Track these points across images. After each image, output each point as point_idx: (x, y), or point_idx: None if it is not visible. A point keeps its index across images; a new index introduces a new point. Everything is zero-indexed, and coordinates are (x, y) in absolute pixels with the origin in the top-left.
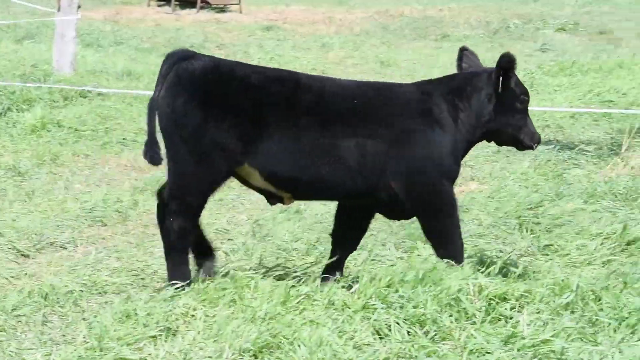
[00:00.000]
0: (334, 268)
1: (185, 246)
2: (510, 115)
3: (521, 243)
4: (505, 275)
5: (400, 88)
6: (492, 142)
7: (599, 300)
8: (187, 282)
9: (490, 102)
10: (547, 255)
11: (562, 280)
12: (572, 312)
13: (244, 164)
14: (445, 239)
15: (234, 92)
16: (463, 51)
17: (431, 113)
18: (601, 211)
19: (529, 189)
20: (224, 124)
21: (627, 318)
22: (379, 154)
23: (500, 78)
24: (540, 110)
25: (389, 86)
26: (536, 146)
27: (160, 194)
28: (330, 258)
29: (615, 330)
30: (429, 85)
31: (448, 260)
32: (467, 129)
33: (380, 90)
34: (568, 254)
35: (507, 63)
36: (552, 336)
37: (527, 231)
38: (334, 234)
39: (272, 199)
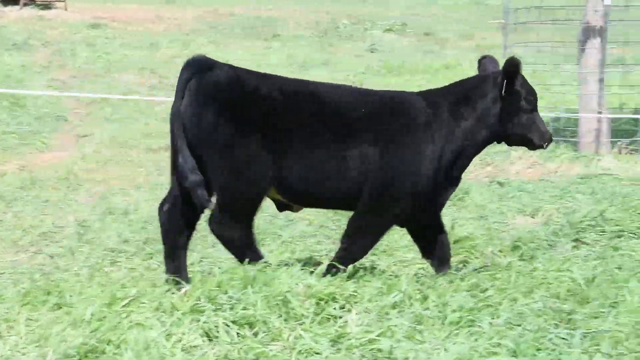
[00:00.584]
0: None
1: (253, 250)
2: (518, 116)
3: None
4: (334, 276)
5: (407, 98)
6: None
7: (426, 298)
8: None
9: (495, 106)
10: (376, 255)
11: (390, 280)
12: (400, 311)
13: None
14: (364, 237)
15: (258, 105)
16: (482, 60)
17: (428, 125)
18: None
19: None
20: (253, 138)
21: (451, 315)
22: (374, 162)
23: (505, 82)
24: None
25: (396, 96)
26: (547, 145)
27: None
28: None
29: (440, 329)
30: (435, 94)
31: (342, 256)
32: (469, 136)
33: (386, 99)
34: (397, 253)
35: (511, 67)
36: (379, 335)
37: None
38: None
39: (282, 207)
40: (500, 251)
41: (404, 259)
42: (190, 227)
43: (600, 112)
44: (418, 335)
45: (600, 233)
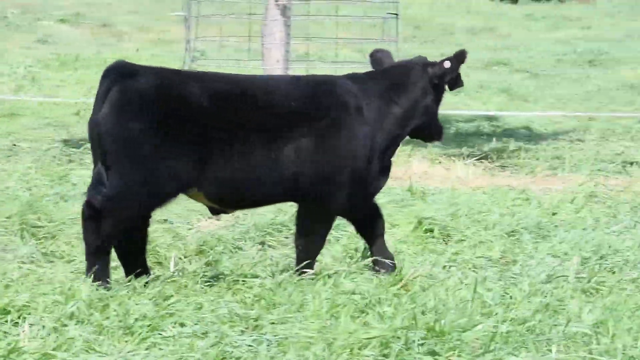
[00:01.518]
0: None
1: (108, 251)
2: (435, 108)
3: (23, 249)
4: (6, 287)
5: (336, 82)
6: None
7: (107, 307)
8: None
9: (426, 95)
10: (53, 262)
11: (69, 289)
12: (79, 321)
13: (193, 188)
14: (318, 234)
15: (186, 114)
16: (377, 54)
17: (359, 110)
18: None
19: (31, 190)
20: (178, 148)
21: (132, 326)
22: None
23: (450, 73)
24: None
25: (324, 80)
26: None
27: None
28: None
29: (121, 339)
30: (365, 78)
31: (303, 258)
32: (401, 123)
33: (314, 85)
34: (74, 260)
35: (464, 58)
36: (55, 349)
37: (29, 236)
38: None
39: (215, 210)
40: (185, 256)
41: (82, 267)
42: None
43: None
44: (98, 346)
45: (287, 236)
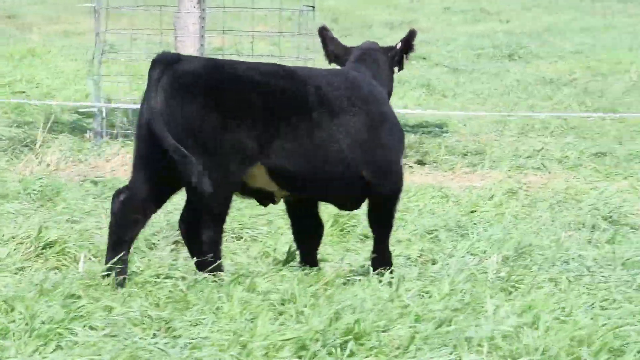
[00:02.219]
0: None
1: (219, 258)
2: None
3: None
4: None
5: (358, 72)
6: None
7: (12, 310)
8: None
9: (391, 79)
10: None
11: None
12: None
13: (257, 163)
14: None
15: (243, 92)
16: (326, 32)
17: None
18: (14, 213)
19: None
20: (241, 125)
21: (39, 329)
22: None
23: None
24: None
25: (351, 72)
26: None
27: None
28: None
29: (27, 343)
30: (365, 68)
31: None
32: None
33: (350, 76)
34: None
35: (414, 38)
36: None
37: None
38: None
39: (265, 199)
40: (94, 256)
41: None
42: (142, 223)
43: None
44: (2, 351)
45: None
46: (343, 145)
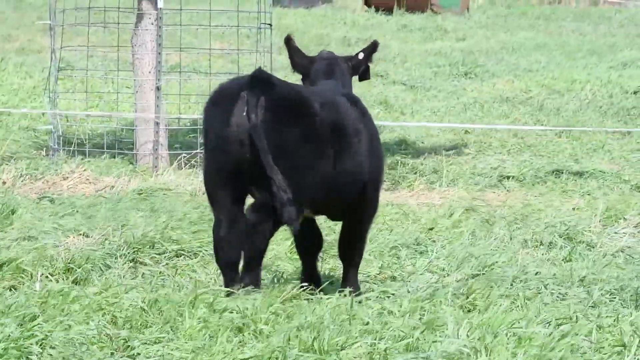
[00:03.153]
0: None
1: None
2: None
3: None
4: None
5: (337, 87)
6: None
7: None
8: None
9: (351, 87)
10: None
11: None
12: None
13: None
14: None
15: (313, 119)
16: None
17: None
18: None
19: None
20: (320, 152)
21: None
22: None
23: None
24: None
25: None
26: None
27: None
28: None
29: None
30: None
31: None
32: None
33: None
34: None
35: (376, 49)
36: None
37: None
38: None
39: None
40: (51, 274)
41: None
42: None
43: (157, 123)
44: None
45: (160, 253)
46: (359, 168)
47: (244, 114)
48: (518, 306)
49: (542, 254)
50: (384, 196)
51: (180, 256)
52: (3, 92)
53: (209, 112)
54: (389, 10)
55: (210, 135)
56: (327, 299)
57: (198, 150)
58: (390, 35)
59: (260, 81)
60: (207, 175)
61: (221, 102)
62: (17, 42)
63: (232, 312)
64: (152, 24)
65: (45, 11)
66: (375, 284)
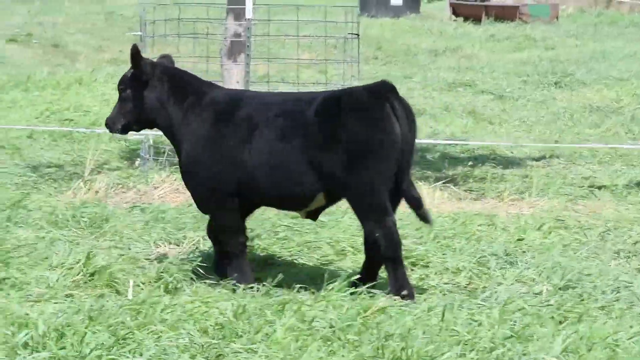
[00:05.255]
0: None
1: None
2: None
3: None
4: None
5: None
6: None
7: (62, 337)
8: None
9: None
10: (3, 290)
11: (21, 317)
12: (32, 351)
13: None
14: None
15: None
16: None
17: None
18: (63, 240)
19: None
20: None
21: (88, 356)
22: None
23: None
24: None
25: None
26: None
27: None
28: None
29: None
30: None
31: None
32: None
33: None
34: (26, 288)
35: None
36: None
37: None
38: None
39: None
40: (143, 283)
41: (35, 292)
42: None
43: None
44: None
45: (250, 260)
46: None
47: (394, 120)
48: (612, 318)
49: (635, 265)
50: (472, 206)
51: (270, 264)
52: (95, 103)
53: (364, 121)
54: (477, 20)
55: (379, 144)
56: (416, 308)
57: None
58: (479, 45)
59: (393, 90)
60: (381, 179)
61: (373, 110)
62: (109, 53)
63: (320, 321)
64: (241, 34)
65: (136, 22)
66: (463, 293)
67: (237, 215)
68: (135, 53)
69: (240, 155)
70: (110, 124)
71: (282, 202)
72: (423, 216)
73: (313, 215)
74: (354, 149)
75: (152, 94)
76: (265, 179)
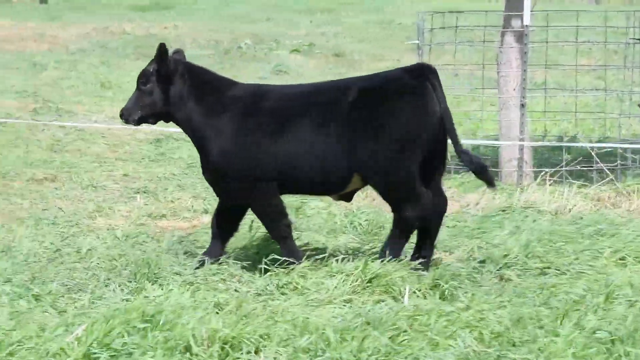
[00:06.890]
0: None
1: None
2: None
3: (258, 282)
4: (243, 317)
5: None
6: None
7: (342, 341)
8: None
9: None
10: (286, 294)
11: (302, 321)
12: (313, 355)
13: None
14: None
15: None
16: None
17: None
18: (341, 246)
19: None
20: None
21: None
22: None
23: None
24: None
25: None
26: None
27: None
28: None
29: None
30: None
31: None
32: None
33: None
34: (307, 293)
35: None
36: None
37: (264, 268)
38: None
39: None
40: (419, 290)
41: (315, 298)
42: None
43: (522, 140)
44: None
45: (524, 269)
46: None
47: (435, 100)
48: None
49: None
50: None
51: (546, 274)
52: None
53: (411, 103)
54: None
55: (414, 124)
56: None
57: (563, 168)
58: None
59: (432, 70)
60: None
61: (418, 92)
62: (387, 62)
63: (601, 332)
64: (518, 41)
65: (414, 31)
66: None
67: (279, 200)
68: (163, 51)
69: (280, 144)
70: (125, 115)
71: (321, 185)
72: (487, 179)
73: (347, 198)
74: (397, 132)
75: (174, 90)
76: (305, 164)
